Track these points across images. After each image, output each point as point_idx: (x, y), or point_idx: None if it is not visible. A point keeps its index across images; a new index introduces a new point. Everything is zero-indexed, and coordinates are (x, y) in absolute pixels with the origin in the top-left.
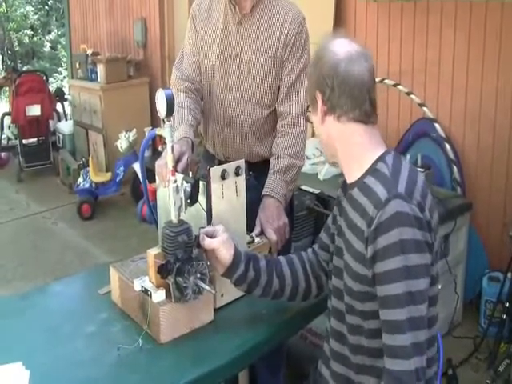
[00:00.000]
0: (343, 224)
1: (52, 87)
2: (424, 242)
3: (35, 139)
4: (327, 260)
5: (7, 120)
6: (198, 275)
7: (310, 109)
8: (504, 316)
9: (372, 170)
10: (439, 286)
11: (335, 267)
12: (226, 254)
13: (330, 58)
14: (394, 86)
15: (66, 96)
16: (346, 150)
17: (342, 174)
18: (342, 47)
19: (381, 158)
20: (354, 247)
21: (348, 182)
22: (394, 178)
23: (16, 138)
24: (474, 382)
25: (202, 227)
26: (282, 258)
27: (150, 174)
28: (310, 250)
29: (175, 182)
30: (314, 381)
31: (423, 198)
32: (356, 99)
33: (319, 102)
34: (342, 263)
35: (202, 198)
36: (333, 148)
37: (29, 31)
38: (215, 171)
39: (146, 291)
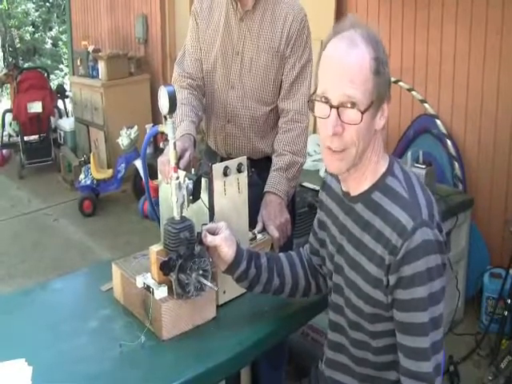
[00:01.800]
0: (345, 242)
1: (53, 84)
2: (443, 264)
3: (36, 136)
4: (320, 264)
5: (8, 117)
6: (201, 272)
7: (367, 111)
8: (505, 312)
9: (382, 186)
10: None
11: (335, 284)
12: (228, 251)
13: (384, 50)
14: (395, 82)
15: (67, 93)
16: (372, 157)
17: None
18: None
19: (389, 171)
20: (367, 270)
21: (351, 193)
22: (414, 201)
23: (17, 135)
24: (475, 378)
25: (205, 224)
26: (282, 256)
27: (152, 171)
28: (305, 249)
29: (177, 178)
30: (314, 379)
31: (437, 214)
32: None
33: (386, 106)
34: (343, 280)
35: (204, 195)
36: (363, 155)
37: (30, 28)
38: (217, 168)
39: (148, 288)
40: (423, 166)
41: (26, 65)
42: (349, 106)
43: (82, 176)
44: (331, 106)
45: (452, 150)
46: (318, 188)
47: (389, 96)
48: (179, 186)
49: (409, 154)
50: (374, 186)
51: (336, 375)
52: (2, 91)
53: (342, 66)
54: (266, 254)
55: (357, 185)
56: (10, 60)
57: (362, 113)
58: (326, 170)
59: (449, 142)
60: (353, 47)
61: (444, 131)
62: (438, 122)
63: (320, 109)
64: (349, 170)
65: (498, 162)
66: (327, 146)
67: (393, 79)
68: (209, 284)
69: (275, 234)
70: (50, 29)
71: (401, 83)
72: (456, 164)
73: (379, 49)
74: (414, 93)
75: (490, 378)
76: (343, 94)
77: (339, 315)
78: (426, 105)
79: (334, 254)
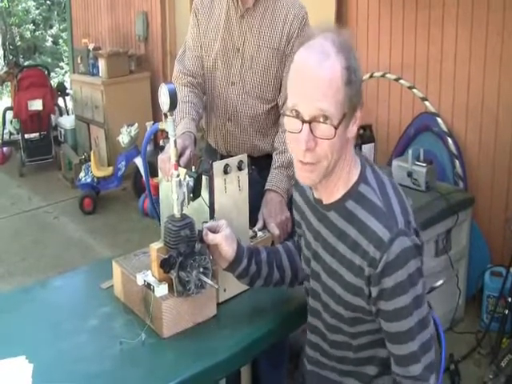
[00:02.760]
0: (321, 250)
1: (54, 82)
2: (422, 265)
3: (37, 134)
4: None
5: (9, 115)
6: (201, 269)
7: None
8: (506, 311)
9: (355, 194)
10: (441, 282)
11: (312, 289)
12: (229, 249)
13: (356, 56)
14: (396, 80)
15: (67, 91)
16: (345, 165)
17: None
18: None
19: (362, 178)
20: (345, 279)
21: (324, 201)
22: (389, 210)
23: (18, 133)
24: (476, 377)
25: (205, 222)
26: (280, 248)
27: (152, 169)
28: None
29: (178, 176)
30: (302, 373)
31: (412, 218)
32: None
33: (359, 112)
34: (320, 287)
35: (204, 193)
36: (335, 165)
37: (30, 26)
38: (218, 166)
39: (148, 285)
40: (424, 164)
41: (26, 63)
42: (321, 120)
43: (82, 174)
44: (303, 121)
45: (453, 148)
46: None
47: (361, 103)
48: (179, 184)
49: (409, 152)
50: (346, 194)
51: (318, 371)
52: (2, 89)
53: (314, 79)
54: (265, 249)
55: (329, 194)
56: (11, 58)
57: (336, 128)
58: None
59: (450, 140)
60: (324, 59)
61: (445, 129)
62: (439, 119)
63: (291, 123)
64: (321, 181)
65: (498, 160)
66: (299, 160)
67: (393, 77)
68: (209, 282)
69: (276, 231)
70: (51, 27)
71: (402, 81)
72: (457, 162)
73: (350, 56)
74: (414, 91)
75: (491, 376)
76: (315, 108)
77: (316, 319)
78: (426, 103)
79: (310, 260)
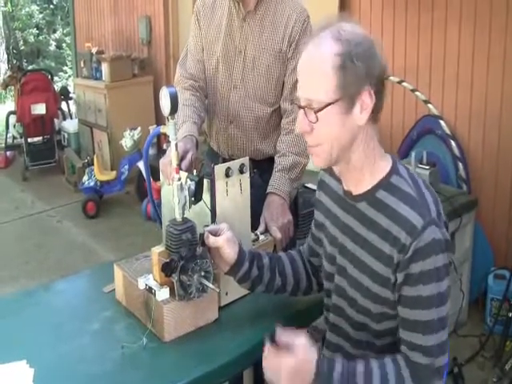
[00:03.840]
0: (349, 242)
1: (57, 86)
2: (449, 262)
3: (40, 138)
4: (320, 265)
5: (12, 119)
6: (202, 273)
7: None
8: (510, 314)
9: (387, 184)
10: None
11: (337, 286)
12: (230, 252)
13: (377, 49)
14: (399, 83)
15: (70, 95)
16: (365, 155)
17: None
18: (365, 31)
19: (394, 170)
20: (373, 269)
21: (353, 193)
22: (422, 199)
23: (21, 137)
24: (479, 380)
25: (207, 225)
26: (283, 255)
27: (155, 172)
28: (305, 248)
29: (179, 179)
30: None
31: (443, 212)
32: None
33: (369, 100)
34: (346, 281)
35: (206, 196)
36: (346, 152)
37: (34, 30)
38: (219, 169)
39: (150, 289)
40: (427, 167)
41: (29, 67)
42: (309, 105)
43: (85, 178)
44: (299, 107)
45: (456, 151)
46: None
47: (370, 89)
48: (181, 188)
49: (413, 154)
50: (378, 185)
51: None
52: (6, 93)
53: (307, 67)
54: (267, 254)
55: (357, 183)
56: (14, 62)
57: (315, 112)
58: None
59: (453, 143)
60: (317, 47)
61: (448, 132)
62: (442, 122)
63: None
64: (336, 164)
65: (502, 163)
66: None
67: (396, 80)
68: (211, 285)
69: (278, 235)
70: (54, 31)
71: (404, 84)
72: (460, 165)
73: (351, 44)
74: (417, 93)
75: (495, 379)
76: (307, 94)
77: (339, 317)
78: (429, 105)
79: (336, 256)
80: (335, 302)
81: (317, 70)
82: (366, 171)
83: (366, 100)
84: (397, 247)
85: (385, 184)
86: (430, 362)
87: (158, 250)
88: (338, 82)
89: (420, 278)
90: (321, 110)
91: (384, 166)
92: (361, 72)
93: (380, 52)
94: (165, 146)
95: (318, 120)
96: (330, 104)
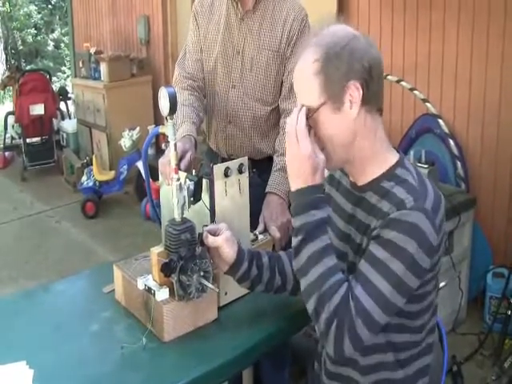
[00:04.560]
0: (351, 230)
1: (55, 86)
2: (420, 265)
3: (39, 138)
4: None
5: (11, 119)
6: (202, 273)
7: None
8: (509, 312)
9: (391, 175)
10: (444, 283)
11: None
12: (229, 252)
13: (358, 43)
14: (398, 82)
15: (69, 95)
16: (368, 147)
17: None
18: (353, 30)
19: (400, 164)
20: (375, 255)
21: (359, 184)
22: (422, 191)
23: (20, 137)
24: (478, 378)
25: (205, 225)
26: (283, 254)
27: (154, 172)
28: None
29: (178, 179)
30: (311, 380)
31: (442, 217)
32: (382, 86)
33: (356, 93)
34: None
35: (205, 196)
36: (351, 149)
37: (32, 30)
38: (218, 169)
39: (149, 290)
40: (426, 166)
41: (28, 67)
42: (306, 112)
43: (84, 178)
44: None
45: (454, 150)
46: None
47: (355, 82)
48: (180, 187)
49: (411, 153)
50: (382, 175)
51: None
52: (4, 93)
53: (295, 78)
54: (267, 253)
55: (361, 173)
56: (13, 62)
57: (308, 118)
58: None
59: (451, 142)
60: (301, 57)
61: (446, 131)
62: (441, 121)
63: None
64: (342, 165)
65: (500, 162)
66: None
67: (395, 79)
68: (210, 285)
69: (277, 234)
70: (52, 31)
71: (403, 83)
72: (458, 163)
73: (328, 47)
74: (416, 92)
75: (494, 377)
76: (301, 102)
77: None
78: (428, 104)
79: (337, 244)
80: None
81: (302, 79)
82: (369, 163)
83: (354, 94)
84: (379, 217)
85: (390, 175)
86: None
87: (157, 250)
88: (321, 85)
89: (386, 243)
90: (312, 114)
91: (390, 158)
92: (341, 70)
93: (365, 43)
94: (163, 146)
95: (314, 124)
96: (318, 108)
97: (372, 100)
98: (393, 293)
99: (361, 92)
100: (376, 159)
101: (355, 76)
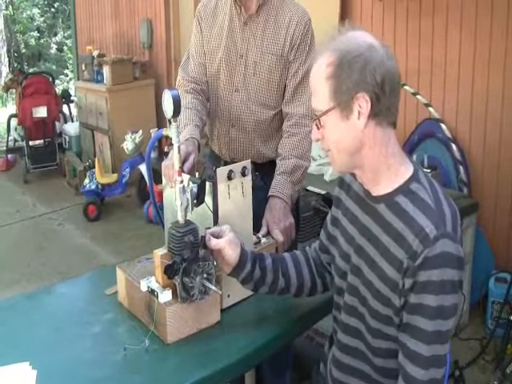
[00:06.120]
0: (365, 242)
1: (58, 89)
2: (459, 281)
3: (41, 141)
4: (329, 262)
5: (14, 122)
6: (205, 275)
7: (329, 114)
8: (511, 317)
9: (406, 190)
10: None
11: (350, 285)
12: (232, 254)
13: (374, 53)
14: (401, 86)
15: (72, 98)
16: (377, 158)
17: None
18: (372, 39)
19: (415, 178)
20: (385, 272)
21: (372, 193)
22: (440, 211)
23: (22, 140)
24: (481, 383)
25: (209, 228)
26: (287, 256)
27: (156, 175)
28: (312, 248)
29: (182, 182)
30: (316, 382)
31: (460, 228)
32: (398, 99)
33: (365, 105)
34: (359, 282)
35: (208, 199)
36: (357, 157)
37: (35, 33)
38: (222, 172)
39: (152, 292)
40: (428, 171)
41: (31, 70)
42: (317, 114)
43: (86, 181)
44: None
45: (457, 154)
46: (322, 192)
47: (365, 94)
48: (183, 190)
49: (414, 158)
50: (398, 189)
51: (348, 379)
52: (7, 96)
53: (310, 81)
54: (270, 255)
55: (374, 184)
56: (15, 65)
57: (317, 119)
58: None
59: (454, 146)
60: (316, 61)
61: (449, 135)
62: (443, 126)
63: None
64: (347, 170)
65: (503, 166)
66: None
67: None
68: (213, 287)
69: (280, 237)
70: (55, 34)
71: (406, 87)
72: (461, 168)
73: (342, 53)
74: (418, 97)
75: (496, 382)
76: (313, 105)
77: (353, 317)
78: (430, 109)
79: (351, 255)
80: (347, 301)
81: (315, 82)
82: (381, 175)
83: (362, 105)
84: (408, 253)
85: (405, 190)
86: (420, 372)
87: (160, 252)
88: (331, 91)
89: (425, 286)
90: (320, 116)
91: (404, 171)
92: (352, 79)
93: (382, 55)
94: (166, 149)
95: (322, 126)
96: (327, 111)
97: (382, 114)
98: (447, 323)
99: (369, 105)
100: (388, 171)
101: (365, 88)
